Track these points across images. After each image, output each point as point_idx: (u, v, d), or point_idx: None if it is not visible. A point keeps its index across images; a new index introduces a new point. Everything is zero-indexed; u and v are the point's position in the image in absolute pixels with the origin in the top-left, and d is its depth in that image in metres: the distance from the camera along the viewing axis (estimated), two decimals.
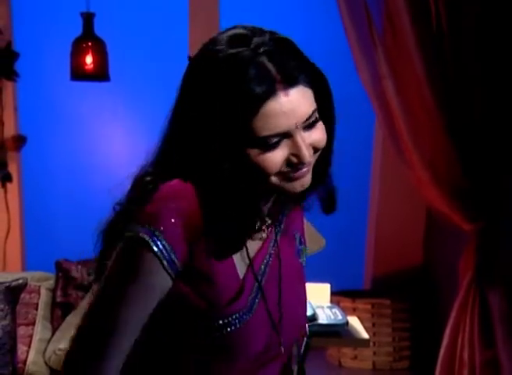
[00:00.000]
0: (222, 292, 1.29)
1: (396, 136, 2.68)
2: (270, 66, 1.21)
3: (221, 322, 1.29)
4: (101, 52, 2.88)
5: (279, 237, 1.41)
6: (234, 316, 1.30)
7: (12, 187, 3.18)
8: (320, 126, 1.31)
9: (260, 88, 1.21)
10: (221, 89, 1.22)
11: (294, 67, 1.24)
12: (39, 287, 2.43)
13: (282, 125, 1.24)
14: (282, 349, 1.36)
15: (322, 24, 3.28)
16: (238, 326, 1.30)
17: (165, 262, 1.23)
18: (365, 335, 2.44)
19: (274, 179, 1.27)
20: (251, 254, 1.35)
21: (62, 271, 2.48)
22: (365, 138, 3.38)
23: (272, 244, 1.40)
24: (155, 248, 1.22)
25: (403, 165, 2.73)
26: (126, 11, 3.20)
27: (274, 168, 1.26)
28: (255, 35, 1.24)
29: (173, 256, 1.23)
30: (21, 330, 2.31)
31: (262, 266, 1.37)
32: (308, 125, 1.28)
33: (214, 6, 3.02)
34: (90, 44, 2.85)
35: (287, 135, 1.25)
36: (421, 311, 3.42)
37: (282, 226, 1.44)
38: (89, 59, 2.85)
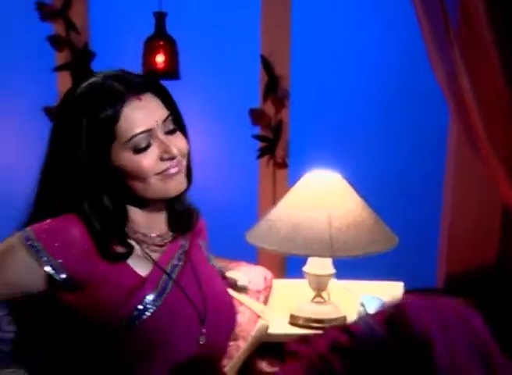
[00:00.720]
0: (121, 288, 1.45)
1: (471, 132, 2.61)
2: (117, 84, 1.44)
3: (132, 313, 1.44)
4: (172, 51, 2.89)
5: (186, 248, 1.63)
6: (141, 307, 1.45)
7: None
8: (179, 135, 1.51)
9: (114, 100, 1.42)
10: (83, 112, 1.43)
11: (140, 81, 1.48)
12: None
13: (144, 122, 1.44)
14: (202, 340, 1.53)
15: (394, 22, 3.21)
16: (148, 313, 1.44)
17: (39, 258, 1.41)
18: None
19: (153, 180, 1.46)
20: (156, 257, 1.56)
21: None
22: (439, 134, 3.29)
23: (179, 254, 1.60)
24: (33, 251, 1.41)
25: (478, 161, 2.66)
26: (197, 10, 3.18)
27: (150, 167, 1.45)
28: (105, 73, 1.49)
29: (59, 265, 1.42)
30: None
31: (169, 267, 1.56)
32: (169, 131, 1.48)
33: (286, 3, 2.98)
34: (161, 43, 2.87)
35: (152, 136, 1.45)
36: (496, 311, 3.31)
37: (187, 242, 1.65)
38: (160, 58, 2.86)
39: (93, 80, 1.47)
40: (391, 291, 2.53)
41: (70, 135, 1.45)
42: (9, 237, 1.46)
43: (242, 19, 3.17)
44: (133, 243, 1.54)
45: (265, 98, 3.14)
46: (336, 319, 2.40)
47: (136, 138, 1.45)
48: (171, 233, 1.63)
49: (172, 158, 1.47)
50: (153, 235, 1.58)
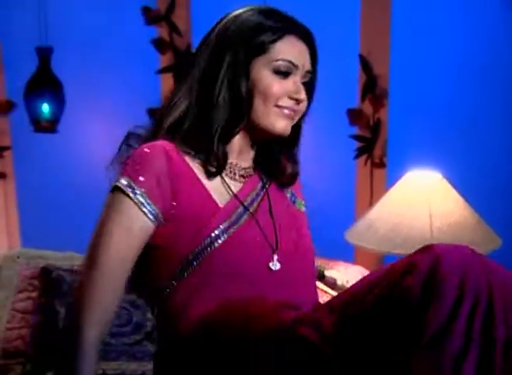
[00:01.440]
0: (198, 216, 1.43)
1: None
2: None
3: (205, 240, 1.41)
4: None
5: (267, 186, 1.58)
6: (217, 232, 1.42)
7: None
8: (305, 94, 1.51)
9: (286, 23, 1.49)
10: (252, 19, 1.48)
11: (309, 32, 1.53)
12: None
13: (295, 57, 1.48)
14: (278, 265, 1.48)
15: (498, 19, 3.11)
16: (222, 238, 1.42)
17: (143, 208, 1.39)
18: None
19: (272, 108, 1.46)
20: (236, 189, 1.52)
21: None
22: None
23: (259, 187, 1.56)
24: (132, 196, 1.38)
25: None
26: (298, 10, 3.15)
27: (279, 93, 1.46)
28: None
29: (151, 203, 1.39)
30: None
31: (248, 198, 1.52)
32: (305, 82, 1.51)
33: (386, 3, 2.92)
34: None
35: (293, 73, 1.48)
36: None
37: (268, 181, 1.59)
38: None
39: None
40: None
41: (224, 40, 1.50)
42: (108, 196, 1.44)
43: (341, 19, 3.12)
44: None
45: (363, 97, 3.08)
46: None
47: (282, 62, 1.48)
48: (253, 167, 1.60)
49: (297, 101, 1.49)
50: (241, 165, 1.56)
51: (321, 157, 3.43)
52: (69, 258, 2.43)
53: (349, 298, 1.28)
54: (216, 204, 1.47)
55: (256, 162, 1.60)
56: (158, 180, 1.41)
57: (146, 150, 1.43)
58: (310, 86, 1.54)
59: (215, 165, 1.49)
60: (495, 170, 3.29)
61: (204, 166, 1.49)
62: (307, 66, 1.52)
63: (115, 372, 2.09)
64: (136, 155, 1.43)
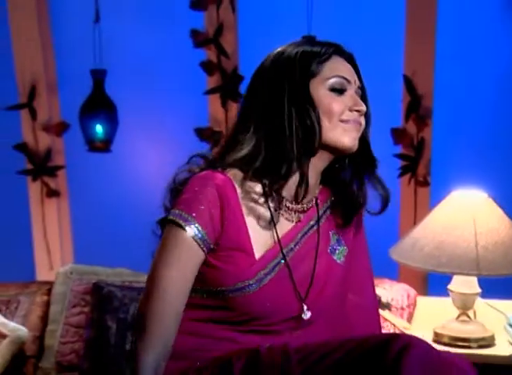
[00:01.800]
0: (234, 261, 1.44)
1: None
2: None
3: (236, 285, 1.42)
4: None
5: (322, 222, 1.55)
6: (245, 283, 1.43)
7: None
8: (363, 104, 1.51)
9: (329, 47, 1.54)
10: (298, 49, 1.54)
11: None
12: None
13: (347, 73, 1.50)
14: (308, 314, 1.47)
15: None
16: (249, 289, 1.43)
17: (199, 242, 1.40)
18: None
19: (336, 124, 1.46)
20: (282, 231, 1.49)
21: None
22: None
23: (309, 226, 1.53)
24: (188, 229, 1.39)
25: None
26: (343, 33, 3.12)
27: (339, 108, 1.47)
28: None
29: (206, 236, 1.41)
30: None
31: (291, 244, 1.50)
32: (359, 93, 1.52)
33: (431, 24, 2.90)
34: None
35: (348, 87, 1.50)
36: None
37: (323, 220, 1.56)
38: None
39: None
40: None
41: (277, 71, 1.53)
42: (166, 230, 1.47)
43: (385, 40, 3.11)
44: (262, 206, 1.49)
45: (407, 117, 3.06)
46: (483, 339, 2.30)
47: (336, 79, 1.50)
48: (316, 198, 1.56)
49: (359, 112, 1.50)
50: (290, 199, 1.52)
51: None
52: (119, 274, 2.45)
53: (318, 353, 1.34)
54: (253, 254, 1.47)
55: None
56: (211, 214, 1.43)
57: (201, 184, 1.44)
58: (364, 101, 1.54)
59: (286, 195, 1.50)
60: None
61: (259, 205, 1.49)
62: (358, 82, 1.54)
63: None
64: (191, 189, 1.44)
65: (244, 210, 1.47)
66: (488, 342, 2.30)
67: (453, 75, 3.14)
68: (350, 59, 1.56)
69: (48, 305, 2.38)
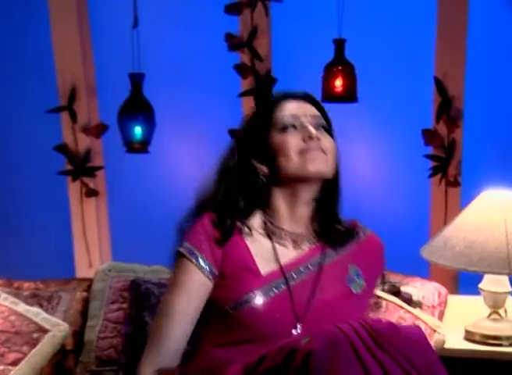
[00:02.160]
0: (242, 277, 1.58)
1: None
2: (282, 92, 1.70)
3: (238, 301, 1.54)
4: (350, 75, 2.86)
5: (327, 262, 1.63)
6: (244, 299, 1.54)
7: None
8: (330, 138, 1.62)
9: (278, 98, 1.67)
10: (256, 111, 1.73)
11: (299, 93, 1.68)
12: None
13: (294, 110, 1.62)
14: (295, 331, 1.53)
15: None
16: (251, 304, 1.53)
17: (205, 272, 1.57)
18: None
19: (295, 156, 1.56)
20: (284, 259, 1.61)
21: None
22: None
23: (316, 260, 1.62)
24: (195, 261, 1.57)
25: None
26: (374, 35, 3.14)
27: (294, 144, 1.58)
28: None
29: (211, 266, 1.57)
30: None
31: (299, 269, 1.60)
32: (316, 125, 1.62)
33: (462, 26, 2.87)
34: (340, 68, 2.85)
35: (299, 123, 1.61)
36: None
37: (337, 256, 1.65)
38: (338, 82, 2.84)
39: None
40: None
41: (244, 131, 1.73)
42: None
43: (416, 43, 3.09)
44: (264, 237, 1.65)
45: (438, 118, 3.04)
46: None
47: (284, 119, 1.62)
48: (314, 238, 1.67)
49: (311, 138, 1.58)
50: (293, 231, 1.64)
51: (396, 175, 3.39)
52: (156, 272, 2.45)
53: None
54: (258, 271, 1.59)
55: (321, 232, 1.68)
56: (213, 246, 1.59)
57: (203, 222, 1.62)
58: (328, 127, 1.67)
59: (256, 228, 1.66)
60: None
61: (259, 234, 1.65)
62: (312, 112, 1.65)
63: None
64: (196, 226, 1.62)
65: (246, 238, 1.63)
66: None
67: (483, 77, 3.11)
68: (303, 98, 1.68)
69: (87, 301, 2.40)
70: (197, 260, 1.58)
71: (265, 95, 3.02)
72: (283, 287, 1.58)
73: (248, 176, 1.64)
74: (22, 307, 2.32)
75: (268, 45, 3.05)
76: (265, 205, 1.66)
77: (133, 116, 2.93)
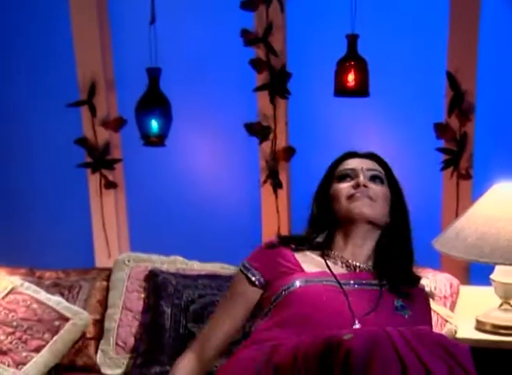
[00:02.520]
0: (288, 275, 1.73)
1: None
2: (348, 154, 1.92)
3: (284, 286, 1.70)
4: (363, 70, 2.85)
5: (384, 289, 1.74)
6: (294, 282, 1.69)
7: (282, 194, 3.22)
8: (383, 186, 1.82)
9: (344, 157, 1.90)
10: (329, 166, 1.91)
11: (364, 153, 1.92)
12: None
13: (351, 165, 1.84)
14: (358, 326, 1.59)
15: None
16: (296, 286, 1.68)
17: (257, 283, 1.75)
18: None
19: (344, 202, 1.77)
20: (334, 270, 1.76)
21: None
22: None
23: (367, 281, 1.74)
24: (247, 273, 1.77)
25: None
26: (386, 31, 3.12)
27: (343, 190, 1.79)
28: None
29: (261, 278, 1.76)
30: None
31: (345, 281, 1.72)
32: (371, 176, 1.82)
33: (474, 21, 2.86)
34: (352, 63, 2.83)
35: (355, 175, 1.81)
36: None
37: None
38: (351, 77, 2.83)
39: None
40: None
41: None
42: None
43: (428, 38, 3.07)
44: (317, 256, 1.83)
45: (450, 112, 3.02)
46: None
47: (341, 171, 1.85)
48: (370, 268, 1.80)
49: (358, 185, 1.78)
50: (344, 256, 1.79)
51: (409, 168, 3.37)
52: (173, 262, 2.47)
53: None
54: (302, 269, 1.76)
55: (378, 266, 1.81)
56: (267, 264, 1.78)
57: (263, 244, 1.85)
58: (385, 179, 1.84)
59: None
60: None
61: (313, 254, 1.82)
62: (369, 166, 1.85)
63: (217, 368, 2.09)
64: (257, 248, 1.84)
65: (295, 253, 1.82)
66: None
67: (495, 71, 3.09)
68: (362, 156, 1.89)
69: (107, 290, 2.41)
70: (248, 273, 1.77)
71: (280, 90, 3.03)
72: (333, 283, 1.71)
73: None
74: (44, 296, 2.34)
75: (283, 41, 3.04)
76: (327, 247, 1.83)
77: (150, 110, 2.93)
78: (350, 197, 1.77)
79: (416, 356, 1.35)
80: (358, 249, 1.79)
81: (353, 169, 1.83)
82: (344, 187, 1.80)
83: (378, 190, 1.79)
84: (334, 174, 1.85)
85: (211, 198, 3.43)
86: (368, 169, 1.83)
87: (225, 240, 3.43)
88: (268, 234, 3.24)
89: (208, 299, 2.26)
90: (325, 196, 1.84)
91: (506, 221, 2.20)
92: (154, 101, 2.95)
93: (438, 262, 3.02)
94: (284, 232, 3.21)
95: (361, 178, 1.79)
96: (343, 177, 1.82)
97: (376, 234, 1.81)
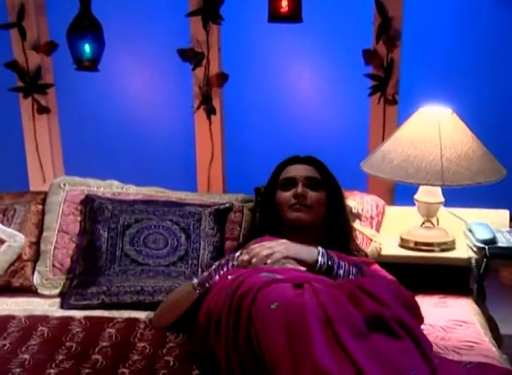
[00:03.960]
0: None
1: None
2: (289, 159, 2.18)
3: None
4: None
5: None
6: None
7: (216, 119, 3.18)
8: (320, 193, 2.08)
9: (285, 163, 2.16)
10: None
11: (304, 157, 2.17)
12: (242, 207, 2.40)
13: (291, 173, 2.10)
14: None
15: None
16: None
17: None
18: None
19: (286, 210, 2.05)
20: None
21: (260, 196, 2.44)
22: None
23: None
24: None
25: None
26: None
27: (285, 199, 2.07)
28: None
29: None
30: (227, 244, 2.30)
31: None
32: (310, 184, 2.08)
33: None
34: None
35: (295, 183, 2.08)
36: None
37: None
38: (284, 3, 2.77)
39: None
40: (497, 218, 2.41)
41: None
42: None
43: None
44: None
45: (378, 39, 3.01)
46: (445, 243, 2.33)
47: (283, 180, 2.11)
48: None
49: (297, 196, 2.04)
50: None
51: (338, 94, 3.38)
52: (109, 186, 2.42)
53: None
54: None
55: None
56: None
57: None
58: (322, 182, 2.09)
59: None
60: (499, 105, 3.23)
61: None
62: (306, 173, 2.09)
63: (153, 288, 2.10)
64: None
65: None
66: (450, 246, 2.34)
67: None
68: (303, 161, 2.13)
69: (42, 213, 2.36)
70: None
71: (213, 15, 2.95)
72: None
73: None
74: None
75: None
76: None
77: (83, 34, 2.82)
78: (291, 206, 2.05)
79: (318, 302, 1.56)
80: (304, 243, 1.93)
81: (293, 178, 2.08)
82: (286, 195, 2.07)
83: (314, 196, 2.06)
84: (278, 181, 2.11)
85: (145, 123, 3.38)
86: (307, 177, 2.08)
87: (159, 164, 3.40)
88: (202, 159, 3.22)
89: (144, 224, 2.23)
90: (271, 201, 2.11)
91: (429, 143, 2.22)
92: (86, 25, 2.83)
93: (365, 184, 3.06)
94: (217, 157, 3.20)
95: (299, 188, 2.05)
96: (285, 186, 2.09)
97: (317, 228, 2.09)
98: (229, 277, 1.76)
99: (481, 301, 2.24)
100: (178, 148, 3.41)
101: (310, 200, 2.05)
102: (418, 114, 2.33)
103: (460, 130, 2.27)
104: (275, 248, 1.79)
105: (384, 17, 2.96)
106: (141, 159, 3.36)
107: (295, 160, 2.15)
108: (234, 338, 1.58)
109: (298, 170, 2.11)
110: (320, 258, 1.81)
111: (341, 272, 1.81)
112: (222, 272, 1.85)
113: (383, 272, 1.96)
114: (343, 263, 1.83)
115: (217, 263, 1.91)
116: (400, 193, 2.91)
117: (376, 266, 1.99)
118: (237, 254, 1.87)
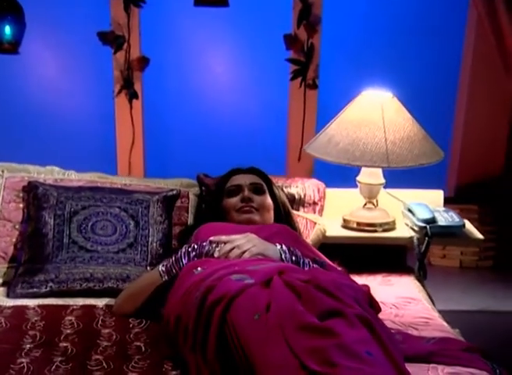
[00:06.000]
0: None
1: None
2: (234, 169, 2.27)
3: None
4: None
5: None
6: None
7: (137, 104, 3.13)
8: (266, 197, 2.18)
9: (230, 172, 2.26)
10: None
11: (247, 169, 2.26)
12: (187, 193, 2.37)
13: (237, 181, 2.18)
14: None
15: None
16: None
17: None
18: (479, 235, 2.38)
19: (234, 213, 2.12)
20: None
21: (203, 185, 2.42)
22: (454, 42, 3.25)
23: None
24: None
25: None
26: None
27: (232, 204, 2.14)
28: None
29: None
30: (175, 230, 2.27)
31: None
32: (254, 189, 2.17)
33: None
34: None
35: (241, 190, 2.15)
36: (506, 215, 3.35)
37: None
38: None
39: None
40: (432, 198, 2.51)
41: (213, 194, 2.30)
42: None
43: None
44: None
45: (299, 24, 3.06)
46: (386, 223, 2.40)
47: (229, 187, 2.18)
48: None
49: (244, 199, 2.12)
50: None
51: (260, 78, 3.39)
52: (50, 172, 2.33)
53: None
54: None
55: None
56: None
57: None
58: (265, 188, 2.19)
59: None
60: (410, 89, 3.36)
61: None
62: (250, 180, 2.18)
63: (103, 275, 2.04)
64: None
65: None
66: (391, 226, 2.41)
67: None
68: (246, 171, 2.23)
69: None
70: None
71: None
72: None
73: None
74: None
75: None
76: None
77: (2, 16, 2.68)
78: (239, 209, 2.11)
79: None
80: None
81: (238, 185, 2.16)
82: (233, 201, 2.14)
83: (260, 199, 2.15)
84: (223, 190, 2.18)
85: (63, 108, 3.25)
86: (251, 183, 2.17)
87: (80, 150, 3.29)
88: (123, 145, 3.15)
89: (91, 211, 2.17)
90: (217, 209, 2.17)
91: (373, 126, 2.27)
92: (5, 6, 2.69)
93: (283, 168, 3.10)
94: (138, 142, 3.14)
95: (246, 193, 2.13)
96: (231, 193, 2.15)
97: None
98: (199, 270, 1.74)
99: (422, 279, 2.32)
100: (98, 133, 3.31)
101: (256, 203, 2.14)
102: (361, 97, 2.38)
103: (401, 113, 2.34)
104: (253, 242, 1.87)
105: (304, 3, 3.02)
106: (60, 146, 3.23)
107: (238, 171, 2.25)
108: (203, 346, 1.54)
109: (243, 178, 2.20)
110: (283, 255, 1.86)
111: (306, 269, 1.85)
112: (185, 261, 1.84)
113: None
114: (307, 260, 1.89)
115: (183, 250, 1.88)
116: (318, 176, 2.97)
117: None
118: (207, 243, 1.89)
